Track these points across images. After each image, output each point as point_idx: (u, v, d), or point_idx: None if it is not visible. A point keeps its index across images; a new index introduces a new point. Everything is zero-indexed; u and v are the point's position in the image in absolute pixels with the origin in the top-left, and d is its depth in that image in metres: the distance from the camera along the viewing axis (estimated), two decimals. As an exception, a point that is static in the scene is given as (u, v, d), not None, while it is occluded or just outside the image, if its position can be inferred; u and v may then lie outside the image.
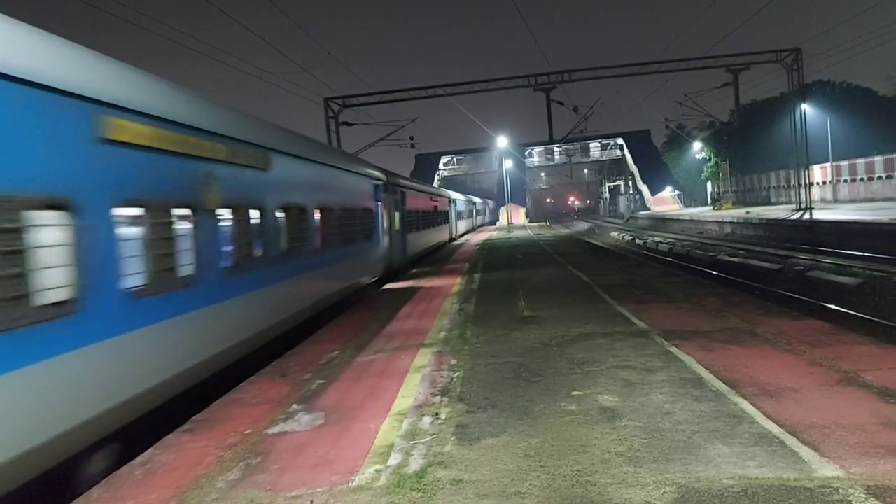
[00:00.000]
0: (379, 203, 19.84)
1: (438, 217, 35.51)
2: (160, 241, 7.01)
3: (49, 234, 5.36)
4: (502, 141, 62.53)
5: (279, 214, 10.84)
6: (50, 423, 5.19)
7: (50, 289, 5.29)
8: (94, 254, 5.85)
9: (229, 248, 8.87)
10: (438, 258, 28.44)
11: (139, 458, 5.76)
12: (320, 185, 13.52)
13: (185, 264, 7.57)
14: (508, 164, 71.88)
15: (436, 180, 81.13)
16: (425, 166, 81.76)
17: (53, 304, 5.31)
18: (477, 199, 71.49)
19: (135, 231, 6.67)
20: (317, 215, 12.98)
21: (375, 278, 18.85)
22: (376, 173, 20.00)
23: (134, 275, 6.51)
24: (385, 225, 20.57)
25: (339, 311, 13.97)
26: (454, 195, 46.02)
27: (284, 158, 11.25)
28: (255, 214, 9.74)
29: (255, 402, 7.32)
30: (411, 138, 46.85)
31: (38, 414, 5.08)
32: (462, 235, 49.07)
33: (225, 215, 8.80)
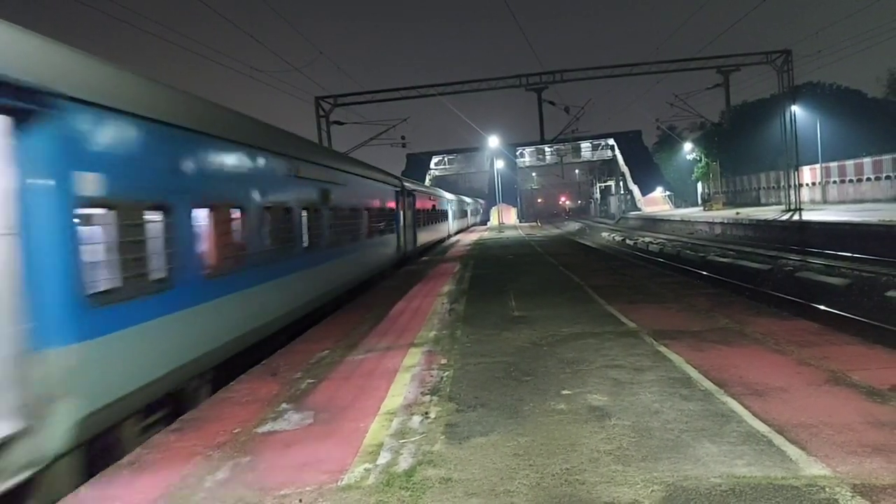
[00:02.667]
0: (448, 208, 46.31)
1: (461, 213, 59.90)
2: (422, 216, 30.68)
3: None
4: (493, 141, 62.62)
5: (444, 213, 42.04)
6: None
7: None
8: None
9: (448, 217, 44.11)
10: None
11: (126, 458, 5.73)
12: (443, 205, 42.44)
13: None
14: (499, 164, 71.98)
15: (427, 180, 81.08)
16: (416, 166, 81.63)
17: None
18: (468, 199, 71.72)
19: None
20: (439, 213, 38.82)
21: (447, 237, 44.04)
22: (450, 196, 50.95)
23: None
24: (449, 216, 46.68)
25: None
26: (458, 197, 62.72)
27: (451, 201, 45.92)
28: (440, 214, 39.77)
29: (245, 402, 7.29)
30: (402, 138, 46.80)
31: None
32: (458, 233, 54.75)
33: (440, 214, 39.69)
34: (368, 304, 14.63)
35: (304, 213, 12.51)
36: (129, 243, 6.40)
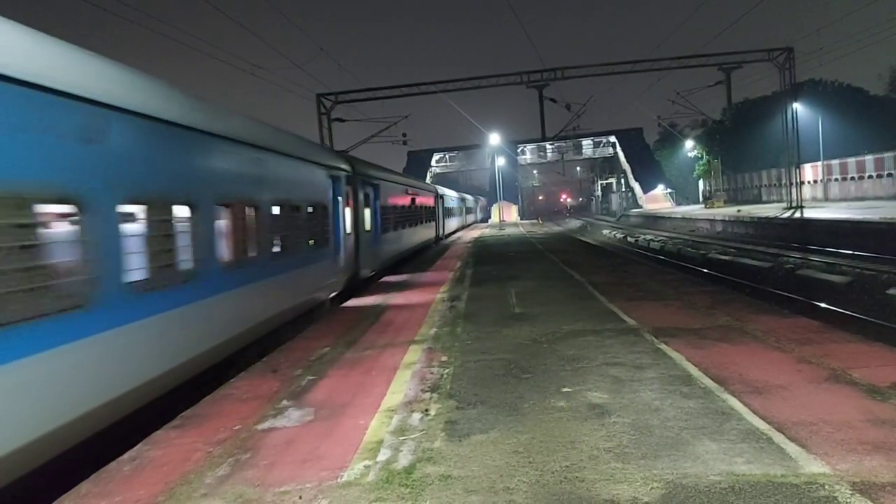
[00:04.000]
0: (463, 205, 59.60)
1: (466, 209, 66.29)
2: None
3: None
4: (494, 138, 62.56)
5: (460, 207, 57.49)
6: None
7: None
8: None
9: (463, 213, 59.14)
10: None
11: (128, 454, 5.74)
12: (461, 205, 57.59)
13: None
14: (501, 161, 71.89)
15: (428, 177, 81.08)
16: (417, 163, 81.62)
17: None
18: (469, 197, 72.02)
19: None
20: (455, 209, 52.31)
21: (461, 227, 56.16)
22: (461, 195, 61.01)
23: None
24: (464, 212, 60.45)
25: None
26: (461, 195, 69.00)
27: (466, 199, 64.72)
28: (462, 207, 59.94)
29: (245, 398, 7.30)
30: (404, 135, 46.75)
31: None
32: (462, 228, 58.41)
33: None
34: (368, 299, 14.63)
35: (413, 210, 27.86)
36: (394, 219, 23.27)
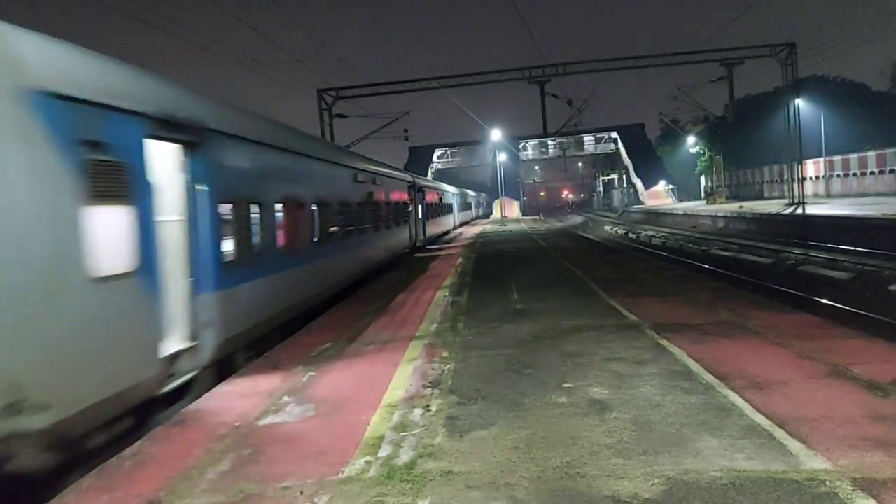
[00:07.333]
0: (474, 201, 77.36)
1: (472, 205, 74.42)
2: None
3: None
4: (496, 134, 62.49)
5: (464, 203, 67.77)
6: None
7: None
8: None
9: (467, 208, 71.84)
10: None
11: (129, 450, 5.74)
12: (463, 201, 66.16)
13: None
14: (502, 157, 71.75)
15: (429, 173, 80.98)
16: (419, 159, 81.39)
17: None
18: (471, 193, 72.56)
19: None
20: (472, 203, 73.78)
21: (470, 220, 66.08)
22: (470, 192, 76.15)
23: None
24: (468, 206, 66.66)
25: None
26: (463, 191, 73.84)
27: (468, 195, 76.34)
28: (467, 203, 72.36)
29: (246, 394, 7.30)
30: (405, 131, 46.73)
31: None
32: (465, 224, 60.34)
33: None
34: (369, 297, 14.64)
35: (470, 202, 66.72)
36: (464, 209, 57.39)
